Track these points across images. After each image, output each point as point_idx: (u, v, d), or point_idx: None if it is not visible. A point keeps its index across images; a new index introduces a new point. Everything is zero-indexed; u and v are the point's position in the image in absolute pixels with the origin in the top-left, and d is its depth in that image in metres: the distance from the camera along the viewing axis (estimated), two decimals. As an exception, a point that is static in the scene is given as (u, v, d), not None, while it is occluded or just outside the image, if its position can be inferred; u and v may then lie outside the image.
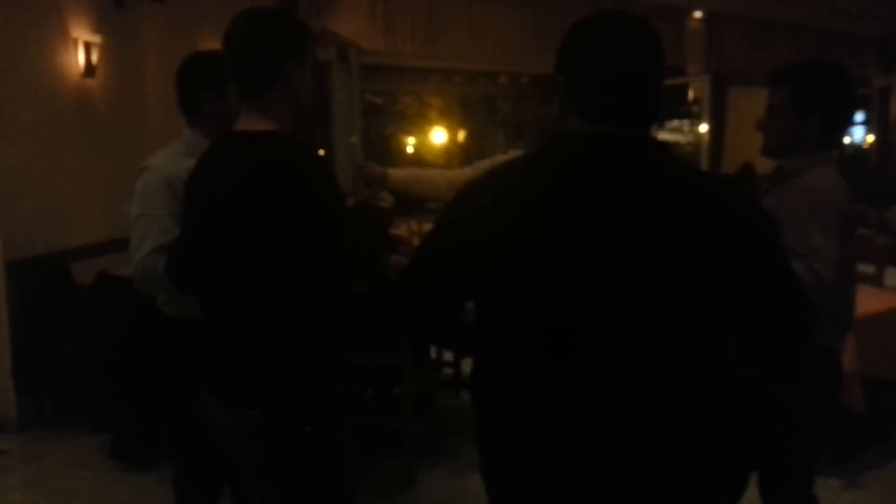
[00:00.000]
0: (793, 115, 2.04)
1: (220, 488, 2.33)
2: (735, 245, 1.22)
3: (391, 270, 3.19)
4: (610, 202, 1.21)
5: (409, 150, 8.91)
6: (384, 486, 3.37)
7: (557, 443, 1.27)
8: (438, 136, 8.80)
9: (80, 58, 4.41)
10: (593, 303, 1.22)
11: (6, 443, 3.84)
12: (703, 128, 7.80)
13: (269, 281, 1.57)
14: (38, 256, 4.08)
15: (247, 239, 1.56)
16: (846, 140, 9.90)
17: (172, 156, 2.08)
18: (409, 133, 9.34)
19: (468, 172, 2.98)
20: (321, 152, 5.94)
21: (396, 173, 2.87)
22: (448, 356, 4.48)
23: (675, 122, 8.04)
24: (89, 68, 4.45)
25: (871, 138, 9.73)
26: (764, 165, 2.66)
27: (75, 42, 4.40)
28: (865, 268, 4.17)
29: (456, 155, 9.63)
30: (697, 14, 8.00)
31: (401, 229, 6.04)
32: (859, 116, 9.82)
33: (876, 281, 4.02)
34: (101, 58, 4.53)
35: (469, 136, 8.40)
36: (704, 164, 7.75)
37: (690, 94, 7.89)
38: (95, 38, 4.48)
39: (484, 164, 2.97)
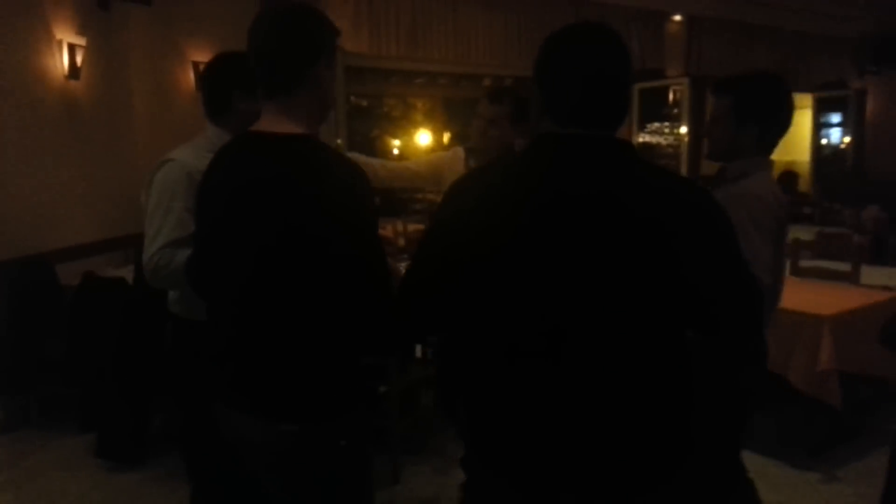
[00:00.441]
0: (733, 123, 2.22)
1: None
2: (695, 234, 1.32)
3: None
4: (578, 199, 1.31)
5: (395, 151, 8.94)
6: (371, 483, 3.39)
7: (541, 421, 1.34)
8: (423, 137, 8.83)
9: (65, 59, 4.41)
10: (569, 293, 1.30)
11: (-9, 444, 3.83)
12: (683, 130, 7.90)
13: (305, 289, 1.49)
14: (23, 258, 4.08)
15: (285, 247, 1.48)
16: (823, 141, 10.04)
17: (197, 151, 2.02)
18: (395, 135, 9.36)
19: (410, 165, 3.23)
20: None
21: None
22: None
23: (655, 125, 8.13)
24: (73, 70, 4.45)
25: (847, 139, 9.87)
26: (710, 167, 2.84)
27: (59, 44, 4.40)
28: (841, 266, 4.25)
29: (440, 157, 9.59)
30: (677, 17, 8.10)
31: (386, 230, 6.07)
32: (836, 118, 9.95)
33: (852, 279, 4.10)
34: (85, 59, 4.53)
35: (454, 138, 8.44)
36: (684, 166, 7.84)
37: (670, 97, 7.98)
38: (80, 40, 4.48)
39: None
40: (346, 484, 1.62)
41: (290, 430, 1.53)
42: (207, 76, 2.14)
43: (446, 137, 8.83)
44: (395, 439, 3.36)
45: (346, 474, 1.61)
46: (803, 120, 10.28)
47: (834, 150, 10.00)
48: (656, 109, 8.11)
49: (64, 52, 4.40)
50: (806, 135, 10.13)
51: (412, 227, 6.12)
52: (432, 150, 8.26)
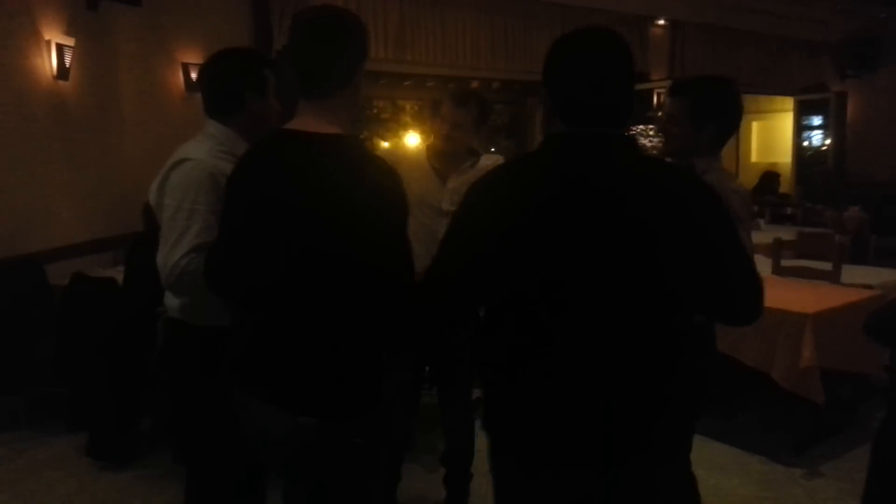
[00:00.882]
0: (690, 123, 2.34)
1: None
2: (695, 221, 1.42)
3: None
4: (583, 191, 1.40)
5: (382, 153, 9.01)
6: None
7: (544, 398, 1.44)
8: (412, 139, 8.86)
9: (53, 60, 4.39)
10: (571, 277, 1.39)
11: (-20, 445, 3.81)
12: (668, 132, 7.98)
13: (337, 285, 1.54)
14: (11, 258, 4.06)
15: (319, 244, 1.52)
16: (805, 143, 10.17)
17: (211, 151, 1.97)
18: (384, 137, 9.40)
19: None
20: None
21: None
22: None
23: (639, 127, 8.20)
24: (62, 70, 4.43)
25: (828, 142, 10.00)
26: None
27: (48, 44, 4.38)
28: (823, 265, 4.33)
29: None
30: (661, 22, 8.18)
31: None
32: (817, 120, 10.08)
33: (833, 278, 4.17)
34: (73, 60, 4.51)
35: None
36: (670, 168, 7.91)
37: (654, 100, 8.06)
38: (68, 41, 4.47)
39: None
40: (356, 482, 1.65)
41: (309, 423, 1.57)
42: (216, 74, 2.07)
43: (434, 139, 8.89)
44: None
45: (360, 472, 1.65)
46: (785, 122, 10.40)
47: (815, 151, 10.11)
48: (640, 112, 8.18)
49: (52, 53, 4.39)
50: (788, 137, 10.24)
51: None
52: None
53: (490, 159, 3.04)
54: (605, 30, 1.51)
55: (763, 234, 5.25)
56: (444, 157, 2.87)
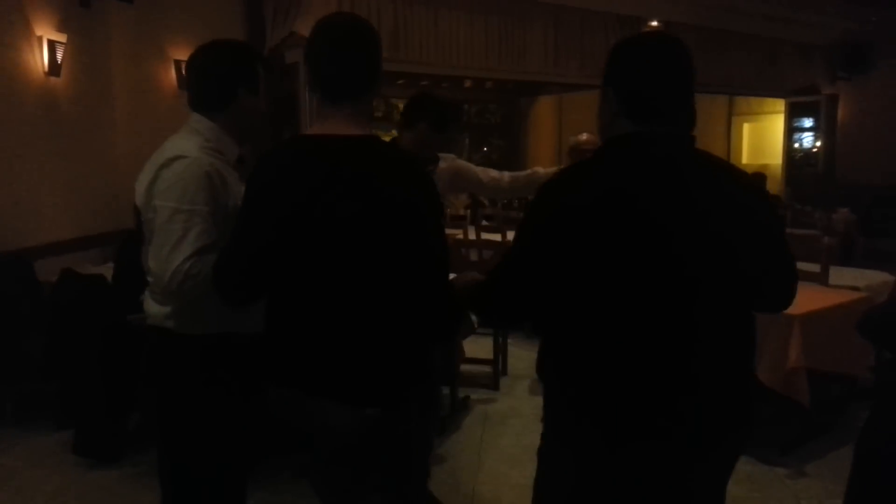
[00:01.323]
0: None
1: None
2: (756, 211, 1.55)
3: None
4: (662, 187, 1.47)
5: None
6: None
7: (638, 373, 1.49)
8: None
9: (45, 56, 4.39)
10: (664, 269, 1.46)
11: (-33, 442, 3.81)
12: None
13: (390, 277, 1.60)
14: (1, 254, 4.05)
15: (370, 240, 1.57)
16: (796, 145, 10.22)
17: (201, 148, 1.87)
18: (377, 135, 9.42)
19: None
20: None
21: None
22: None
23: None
24: (54, 67, 4.43)
25: (819, 144, 10.05)
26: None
27: (39, 40, 4.37)
28: (811, 266, 4.35)
29: (420, 157, 9.62)
30: (654, 23, 8.21)
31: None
32: (808, 122, 10.14)
33: (821, 279, 4.20)
34: (65, 56, 4.51)
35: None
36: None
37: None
38: (60, 37, 4.46)
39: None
40: (421, 464, 1.74)
41: (374, 413, 1.61)
42: (207, 65, 1.96)
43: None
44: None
45: (417, 449, 1.72)
46: (776, 124, 10.46)
47: (806, 153, 10.18)
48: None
49: (44, 49, 4.38)
50: (779, 139, 10.31)
51: (486, 236, 6.18)
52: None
53: (446, 160, 3.23)
54: (668, 34, 1.64)
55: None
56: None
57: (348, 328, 1.61)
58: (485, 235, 6.27)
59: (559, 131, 11.06)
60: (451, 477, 3.40)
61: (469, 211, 8.57)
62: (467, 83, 9.92)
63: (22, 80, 4.31)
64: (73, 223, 4.59)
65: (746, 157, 10.75)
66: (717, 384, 1.53)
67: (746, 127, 10.90)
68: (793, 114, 10.12)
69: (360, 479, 1.71)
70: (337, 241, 1.58)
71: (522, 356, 5.26)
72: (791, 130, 10.18)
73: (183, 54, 5.32)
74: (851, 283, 4.32)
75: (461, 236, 6.31)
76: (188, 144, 1.87)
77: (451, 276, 1.77)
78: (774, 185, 9.54)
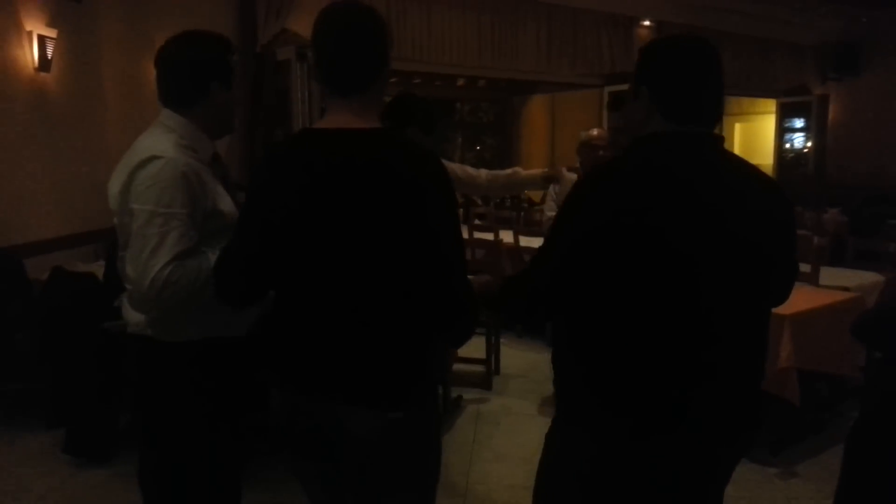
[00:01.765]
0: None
1: None
2: (775, 220, 1.59)
3: None
4: (697, 185, 1.51)
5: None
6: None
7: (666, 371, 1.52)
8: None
9: (35, 52, 4.35)
10: (691, 267, 1.48)
11: (-44, 440, 3.78)
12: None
13: (406, 275, 1.52)
14: (-10, 252, 4.02)
15: (388, 237, 1.50)
16: (787, 145, 10.26)
17: (177, 146, 1.79)
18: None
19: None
20: None
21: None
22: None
23: (625, 128, 8.26)
24: (44, 62, 4.39)
25: (809, 144, 10.10)
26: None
27: (29, 35, 4.34)
28: (802, 266, 4.36)
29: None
30: (646, 23, 8.23)
31: None
32: (799, 123, 10.18)
33: (811, 280, 4.21)
34: (56, 52, 4.47)
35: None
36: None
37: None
38: (50, 32, 4.43)
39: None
40: (429, 466, 1.70)
41: (398, 417, 1.56)
42: (178, 59, 1.86)
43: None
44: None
45: (432, 456, 1.69)
46: (767, 124, 10.51)
47: (797, 154, 10.23)
48: (614, 110, 8.24)
49: (34, 44, 4.34)
50: (769, 139, 10.35)
51: (478, 235, 6.13)
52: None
53: None
54: (700, 36, 1.62)
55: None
56: None
57: (366, 328, 1.54)
58: (477, 235, 6.27)
59: (552, 130, 11.07)
60: (444, 476, 3.34)
61: (461, 210, 8.58)
62: (460, 81, 9.92)
63: (12, 76, 4.27)
64: (63, 220, 4.56)
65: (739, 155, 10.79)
66: (732, 382, 1.56)
67: (738, 127, 10.95)
68: (784, 114, 10.17)
69: (376, 485, 1.63)
70: (348, 238, 1.51)
71: (515, 356, 5.27)
72: (782, 131, 10.22)
73: (174, 51, 5.29)
74: (842, 283, 4.34)
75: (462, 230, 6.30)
76: (163, 143, 1.79)
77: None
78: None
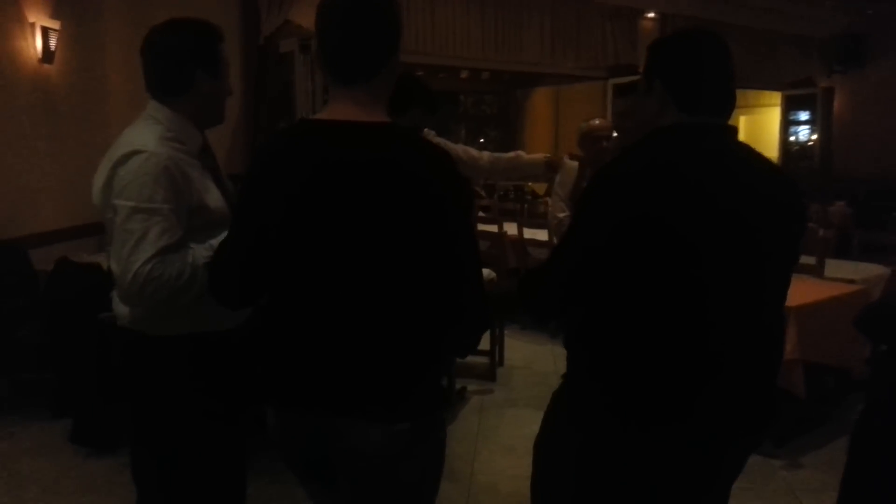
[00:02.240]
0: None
1: None
2: (789, 213, 1.59)
3: None
4: (718, 177, 1.50)
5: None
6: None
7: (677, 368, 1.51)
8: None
9: (38, 43, 4.34)
10: (705, 262, 1.48)
11: (-37, 430, 3.79)
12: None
13: (412, 279, 1.43)
14: (-5, 243, 4.03)
15: (394, 237, 1.41)
16: (792, 138, 10.23)
17: (161, 139, 1.76)
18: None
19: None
20: None
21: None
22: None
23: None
24: (47, 54, 4.39)
25: (815, 137, 10.06)
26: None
27: (32, 27, 4.33)
28: (807, 259, 4.36)
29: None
30: (651, 14, 8.20)
31: None
32: (804, 115, 10.14)
33: (817, 272, 4.20)
34: (59, 43, 4.47)
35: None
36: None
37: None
38: (53, 24, 4.42)
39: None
40: (434, 477, 1.63)
41: (403, 429, 1.48)
42: (162, 49, 1.82)
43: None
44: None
45: (437, 466, 1.63)
46: (772, 117, 10.47)
47: (802, 146, 10.19)
48: (622, 101, 8.20)
49: (37, 36, 4.33)
50: (775, 132, 10.32)
51: (482, 227, 6.07)
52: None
53: (428, 135, 3.14)
54: (712, 30, 1.63)
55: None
56: None
57: (371, 335, 1.44)
58: (481, 226, 6.26)
59: (556, 122, 11.05)
60: (448, 467, 3.37)
61: None
62: (464, 74, 9.89)
63: (15, 68, 4.26)
64: (68, 212, 4.56)
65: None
66: (744, 377, 1.55)
67: (742, 120, 10.91)
68: (789, 107, 10.13)
69: (380, 498, 1.57)
70: (353, 239, 1.41)
71: (519, 347, 5.27)
72: (787, 123, 10.19)
73: (178, 42, 5.27)
74: (847, 275, 4.33)
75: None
76: (145, 136, 1.75)
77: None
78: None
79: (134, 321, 1.81)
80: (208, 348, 1.83)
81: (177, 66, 1.81)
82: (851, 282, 4.15)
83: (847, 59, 9.54)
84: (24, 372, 3.96)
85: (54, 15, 4.47)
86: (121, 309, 1.84)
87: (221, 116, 1.94)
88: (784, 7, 8.59)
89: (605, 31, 7.97)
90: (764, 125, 10.81)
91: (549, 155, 3.72)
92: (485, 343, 4.73)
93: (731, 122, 1.62)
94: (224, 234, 1.63)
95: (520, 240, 5.82)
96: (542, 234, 5.51)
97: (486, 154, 3.52)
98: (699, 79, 1.56)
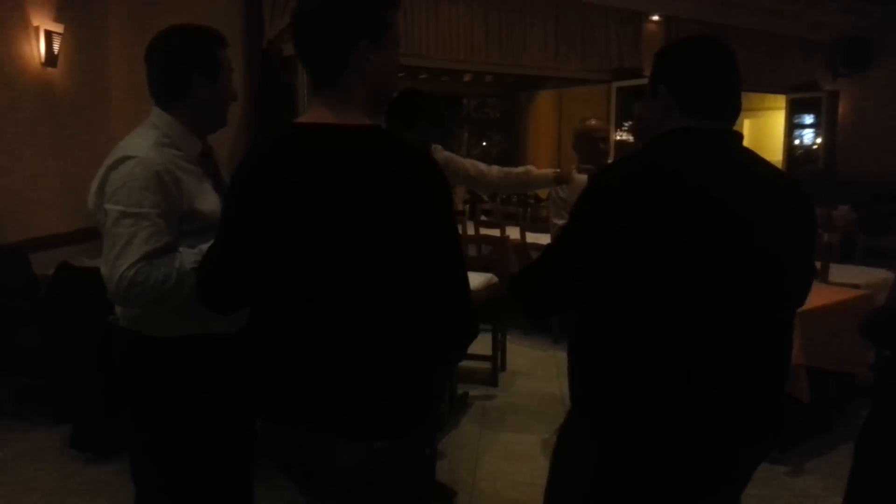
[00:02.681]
0: None
1: None
2: (796, 219, 1.58)
3: None
4: (722, 182, 1.49)
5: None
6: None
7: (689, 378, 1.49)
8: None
9: (41, 47, 4.35)
10: (713, 268, 1.46)
11: (-37, 435, 3.79)
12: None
13: (394, 288, 1.39)
14: (-4, 246, 4.03)
15: (371, 246, 1.37)
16: (796, 142, 10.20)
17: (155, 145, 1.78)
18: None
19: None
20: None
21: None
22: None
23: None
24: (50, 57, 4.39)
25: (819, 141, 10.03)
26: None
27: (36, 31, 4.33)
28: (812, 264, 4.33)
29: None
30: (655, 18, 8.18)
31: None
32: (809, 119, 10.11)
33: (821, 277, 4.18)
34: (62, 47, 4.47)
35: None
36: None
37: (648, 96, 8.07)
38: (57, 27, 4.42)
39: None
40: (418, 496, 1.60)
41: (385, 447, 1.43)
42: (160, 54, 1.85)
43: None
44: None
45: (421, 486, 1.60)
46: (777, 121, 10.44)
47: (806, 150, 10.16)
48: (632, 106, 8.18)
49: (41, 39, 4.34)
50: (779, 135, 10.28)
51: (484, 231, 6.07)
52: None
53: (435, 150, 3.17)
54: (714, 36, 1.65)
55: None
56: None
57: (348, 352, 1.40)
58: (483, 231, 6.25)
59: (559, 126, 11.03)
60: (450, 473, 3.38)
61: (467, 206, 8.54)
62: (466, 77, 9.88)
63: (18, 71, 4.27)
64: (69, 216, 4.56)
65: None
66: (752, 385, 1.55)
67: (747, 123, 10.88)
68: (793, 110, 10.10)
69: None
70: (333, 246, 1.38)
71: (521, 352, 5.26)
72: (792, 127, 10.15)
73: (181, 46, 5.28)
74: (852, 280, 4.32)
75: (459, 232, 6.27)
76: (139, 142, 1.79)
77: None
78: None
79: (131, 321, 1.84)
80: (211, 350, 1.84)
81: (174, 70, 1.83)
82: (856, 287, 4.13)
83: (852, 62, 9.51)
84: (25, 377, 3.96)
85: (58, 19, 4.47)
86: (118, 309, 1.88)
87: (223, 121, 1.95)
88: (789, 10, 8.57)
89: (609, 35, 7.95)
90: (768, 129, 10.78)
91: (558, 170, 3.68)
92: (487, 348, 4.72)
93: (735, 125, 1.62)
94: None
95: (522, 244, 5.81)
96: (544, 239, 5.49)
97: (495, 169, 3.50)
98: (703, 84, 1.57)
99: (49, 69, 4.43)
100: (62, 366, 3.76)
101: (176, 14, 5.48)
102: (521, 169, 3.58)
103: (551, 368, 4.91)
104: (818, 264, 4.21)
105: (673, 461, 1.51)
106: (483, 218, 7.24)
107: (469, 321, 1.49)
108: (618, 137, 8.24)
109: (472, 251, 5.80)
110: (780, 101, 10.20)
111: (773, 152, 10.29)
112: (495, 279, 4.34)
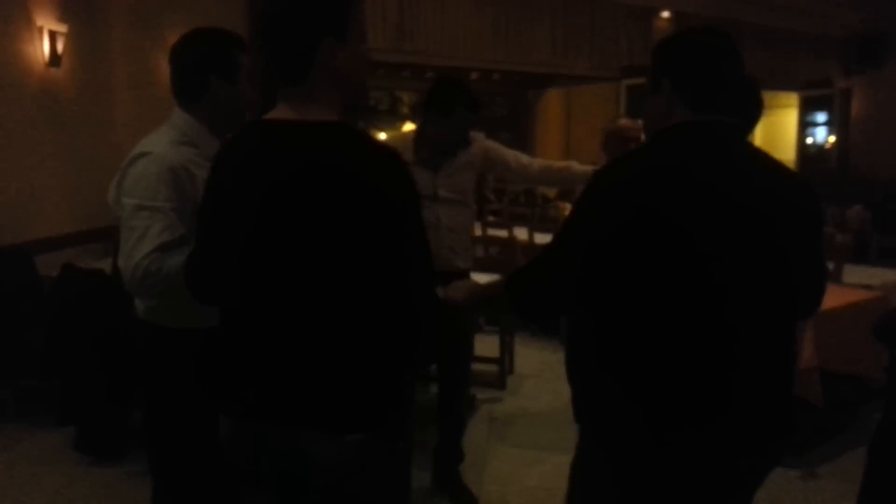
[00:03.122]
0: None
1: None
2: (800, 211, 1.55)
3: None
4: (725, 176, 1.48)
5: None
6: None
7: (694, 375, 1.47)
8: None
9: (45, 47, 4.35)
10: (719, 266, 1.44)
11: (-32, 437, 3.78)
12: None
13: (364, 282, 1.37)
14: (1, 248, 4.02)
15: (340, 240, 1.36)
16: (809, 140, 10.11)
17: (171, 143, 1.87)
18: (381, 128, 9.42)
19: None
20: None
21: None
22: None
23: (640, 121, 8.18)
24: (54, 57, 4.39)
25: (832, 139, 9.94)
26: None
27: (40, 31, 4.34)
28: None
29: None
30: (665, 14, 8.13)
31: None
32: (822, 117, 10.02)
33: (834, 277, 4.12)
34: (66, 47, 4.48)
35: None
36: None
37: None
38: (61, 27, 4.43)
39: None
40: (396, 492, 1.57)
41: (357, 440, 1.41)
42: (181, 56, 1.93)
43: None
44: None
45: (400, 478, 1.58)
46: (789, 118, 10.36)
47: (819, 148, 10.08)
48: (644, 105, 8.14)
49: (45, 40, 4.35)
50: (791, 133, 10.22)
51: (492, 232, 6.04)
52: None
53: (477, 139, 3.14)
54: (721, 29, 1.61)
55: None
56: (433, 147, 2.97)
57: (317, 341, 1.39)
58: (491, 232, 6.21)
59: (567, 124, 11.00)
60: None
61: (474, 207, 8.51)
62: (474, 75, 9.85)
63: (22, 71, 4.27)
64: (73, 217, 4.56)
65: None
66: (760, 387, 1.53)
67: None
68: (806, 108, 10.03)
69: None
70: (293, 242, 1.37)
71: (529, 355, 5.22)
72: (804, 125, 10.08)
73: (186, 46, 5.28)
74: (865, 281, 4.27)
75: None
76: (158, 141, 1.88)
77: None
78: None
79: (146, 312, 1.94)
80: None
81: (192, 71, 1.92)
82: (869, 288, 4.08)
83: (865, 59, 9.43)
84: (29, 378, 3.95)
85: (62, 18, 4.48)
86: (137, 302, 1.97)
87: (242, 121, 2.00)
88: (801, 6, 8.50)
89: (618, 32, 7.91)
90: (781, 127, 10.69)
91: (598, 167, 3.62)
92: (494, 351, 4.69)
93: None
94: None
95: (530, 245, 5.76)
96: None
97: (536, 162, 3.46)
98: (706, 76, 1.55)
99: (53, 69, 4.44)
100: (66, 367, 3.74)
101: (179, 15, 5.50)
102: (562, 164, 3.54)
103: (559, 371, 4.83)
104: (831, 265, 4.16)
105: (687, 471, 1.49)
106: (490, 218, 7.19)
107: (432, 326, 1.48)
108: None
109: (479, 252, 5.76)
110: (793, 98, 10.13)
111: (786, 150, 10.22)
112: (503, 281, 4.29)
